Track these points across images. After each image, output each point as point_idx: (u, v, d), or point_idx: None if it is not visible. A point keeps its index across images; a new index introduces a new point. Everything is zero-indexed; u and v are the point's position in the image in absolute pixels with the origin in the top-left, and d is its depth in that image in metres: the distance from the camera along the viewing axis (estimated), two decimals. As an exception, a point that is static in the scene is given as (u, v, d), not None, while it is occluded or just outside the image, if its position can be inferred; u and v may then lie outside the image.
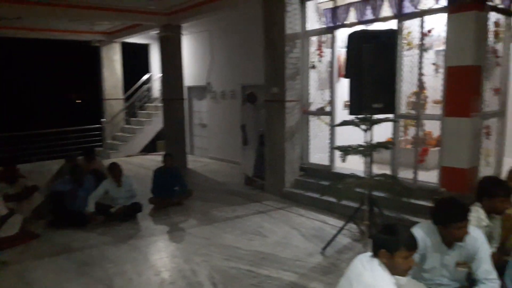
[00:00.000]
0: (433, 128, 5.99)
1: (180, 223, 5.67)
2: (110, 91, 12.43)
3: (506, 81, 5.48)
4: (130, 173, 7.12)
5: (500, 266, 3.12)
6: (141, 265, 4.29)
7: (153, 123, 12.03)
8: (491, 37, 5.04)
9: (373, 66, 4.17)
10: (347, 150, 3.83)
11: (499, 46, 5.31)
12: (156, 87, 12.64)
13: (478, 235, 2.74)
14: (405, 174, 5.48)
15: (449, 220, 2.61)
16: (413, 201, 4.74)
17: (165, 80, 9.65)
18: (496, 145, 5.53)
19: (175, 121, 9.59)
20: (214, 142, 10.51)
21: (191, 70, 10.76)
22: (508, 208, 3.19)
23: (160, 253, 4.66)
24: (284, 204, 6.36)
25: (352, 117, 4.09)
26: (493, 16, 4.99)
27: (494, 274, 2.68)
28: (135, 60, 13.31)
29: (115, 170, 5.83)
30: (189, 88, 10.97)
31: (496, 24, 5.17)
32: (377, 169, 5.48)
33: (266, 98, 6.98)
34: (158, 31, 9.49)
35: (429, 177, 5.37)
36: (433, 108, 6.02)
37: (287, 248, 4.66)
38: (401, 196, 3.93)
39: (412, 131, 5.93)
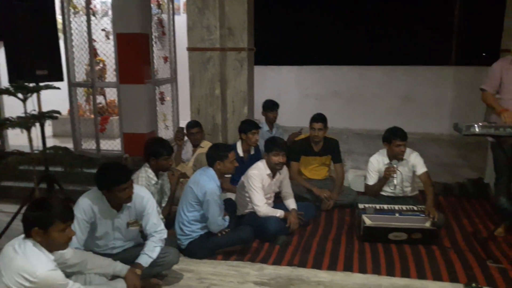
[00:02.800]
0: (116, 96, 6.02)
1: None
2: None
3: (174, 50, 6.03)
4: None
5: (171, 217, 3.47)
6: None
7: None
8: (154, 6, 5.37)
9: (30, 29, 3.71)
10: (3, 123, 3.29)
11: (164, 17, 5.74)
12: None
13: (144, 193, 2.88)
14: (89, 144, 5.32)
15: (112, 184, 2.63)
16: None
17: None
18: (172, 109, 6.09)
19: None
20: None
21: None
22: (171, 165, 3.53)
23: None
24: None
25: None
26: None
27: (161, 226, 2.91)
28: None
29: None
30: None
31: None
32: (60, 143, 5.10)
33: None
34: None
35: (113, 145, 5.41)
36: (114, 76, 6.03)
37: None
38: (78, 168, 3.75)
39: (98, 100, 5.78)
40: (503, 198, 3.63)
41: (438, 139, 7.36)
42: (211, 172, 3.27)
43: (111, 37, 5.29)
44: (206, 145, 4.34)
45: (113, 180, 2.63)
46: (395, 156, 3.84)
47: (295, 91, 8.35)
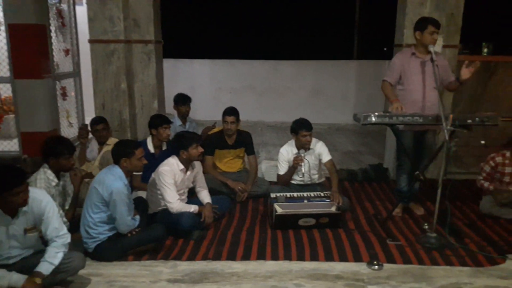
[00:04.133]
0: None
1: None
2: None
3: (76, 43, 5.65)
4: None
5: (76, 220, 3.27)
6: None
7: None
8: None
9: None
10: None
11: (64, 7, 5.35)
12: None
13: (42, 196, 2.67)
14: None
15: (3, 189, 2.40)
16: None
17: None
18: (76, 105, 5.71)
19: None
20: None
21: None
22: (73, 165, 3.31)
23: None
24: None
25: None
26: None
27: (64, 230, 2.72)
28: None
29: None
30: None
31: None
32: None
33: None
34: None
35: (10, 145, 4.95)
36: (8, 71, 5.48)
37: None
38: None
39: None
40: (402, 181, 3.97)
41: (344, 129, 7.86)
42: (117, 170, 3.12)
43: (2, 28, 4.80)
44: (113, 142, 4.12)
45: (4, 184, 2.39)
46: (302, 146, 4.01)
47: (209, 85, 8.34)
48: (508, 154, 3.98)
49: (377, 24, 8.99)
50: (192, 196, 3.89)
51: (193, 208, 3.57)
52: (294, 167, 4.02)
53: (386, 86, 3.84)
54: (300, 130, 3.95)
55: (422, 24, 3.65)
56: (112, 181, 3.05)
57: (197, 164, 3.79)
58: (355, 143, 6.93)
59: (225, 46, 10.85)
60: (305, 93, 8.44)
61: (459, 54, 5.88)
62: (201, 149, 3.61)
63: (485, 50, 6.30)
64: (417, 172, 3.52)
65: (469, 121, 3.40)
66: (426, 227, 3.43)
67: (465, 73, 3.61)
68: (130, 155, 3.11)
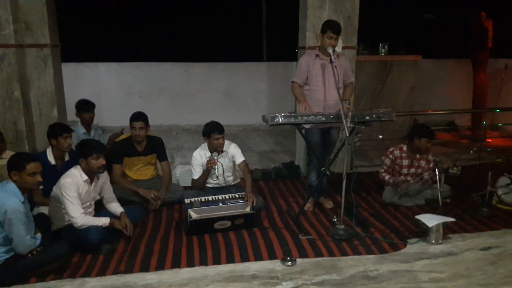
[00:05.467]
0: None
1: None
2: None
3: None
4: None
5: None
6: None
7: None
8: None
9: None
10: None
11: None
12: None
13: None
14: None
15: None
16: None
17: None
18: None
19: None
20: None
21: None
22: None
23: None
24: None
25: None
26: None
27: None
28: None
29: None
30: None
31: None
32: None
33: None
34: None
35: None
36: None
37: None
38: None
39: None
40: (313, 176, 4.14)
41: (258, 130, 8.00)
42: (11, 186, 2.83)
43: None
44: (8, 155, 3.74)
45: None
46: (215, 149, 3.99)
47: (116, 89, 7.96)
48: (404, 147, 4.35)
49: (284, 26, 9.29)
50: (101, 208, 3.67)
51: (102, 221, 3.37)
52: (208, 170, 3.99)
53: (295, 87, 3.99)
54: (212, 133, 3.93)
55: (323, 27, 3.83)
56: (6, 198, 2.77)
57: (104, 174, 3.58)
58: (269, 143, 7.09)
59: (133, 48, 10.47)
60: (218, 95, 8.44)
61: (359, 55, 6.33)
62: (102, 161, 3.37)
63: (383, 50, 6.85)
64: (323, 167, 3.69)
65: (367, 117, 3.65)
66: (335, 219, 3.62)
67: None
68: (20, 168, 2.83)
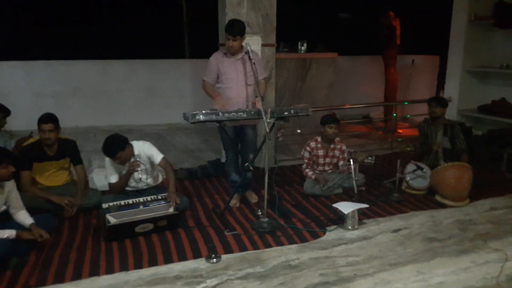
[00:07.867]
0: None
1: None
2: None
3: None
4: None
5: None
6: None
7: None
8: None
9: None
10: None
11: None
12: None
13: None
14: None
15: None
16: None
17: None
18: None
19: None
20: None
21: None
22: None
23: None
24: None
25: None
26: None
27: None
28: None
29: None
30: None
31: None
32: None
33: None
34: None
35: None
36: None
37: None
38: None
39: None
40: (233, 172, 4.17)
41: (184, 128, 7.87)
42: None
43: None
44: None
45: None
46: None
47: (24, 90, 7.36)
48: (319, 139, 4.54)
49: (205, 23, 9.22)
50: (7, 219, 3.37)
51: (7, 233, 3.08)
52: (129, 173, 3.84)
53: (206, 85, 4.03)
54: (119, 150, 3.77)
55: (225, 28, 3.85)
56: None
57: (9, 182, 3.28)
58: (195, 141, 7.00)
59: (42, 46, 9.72)
60: (141, 94, 8.15)
61: (279, 52, 6.47)
62: (12, 169, 3.11)
63: (302, 48, 7.06)
64: (247, 164, 3.73)
65: (286, 113, 3.75)
66: (259, 213, 3.67)
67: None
68: None
